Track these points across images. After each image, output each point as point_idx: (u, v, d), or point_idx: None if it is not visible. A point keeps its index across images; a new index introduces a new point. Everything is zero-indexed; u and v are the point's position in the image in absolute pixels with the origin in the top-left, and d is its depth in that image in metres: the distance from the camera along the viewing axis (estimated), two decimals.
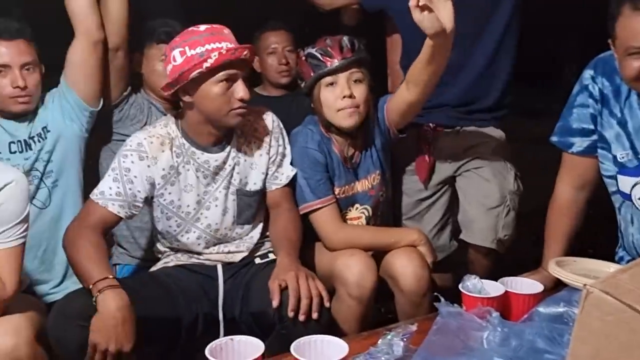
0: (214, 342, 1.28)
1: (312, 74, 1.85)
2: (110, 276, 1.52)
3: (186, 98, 1.71)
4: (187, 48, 1.65)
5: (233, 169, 1.81)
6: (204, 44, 1.64)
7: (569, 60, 4.86)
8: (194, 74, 1.64)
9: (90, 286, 1.50)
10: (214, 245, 1.85)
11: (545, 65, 4.62)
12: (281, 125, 1.90)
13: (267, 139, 1.84)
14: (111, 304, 1.46)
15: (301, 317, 1.56)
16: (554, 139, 1.80)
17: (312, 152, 1.89)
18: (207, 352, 1.25)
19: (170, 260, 1.86)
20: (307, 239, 2.05)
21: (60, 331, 1.51)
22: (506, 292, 1.58)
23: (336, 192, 1.94)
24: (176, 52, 1.67)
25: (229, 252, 1.86)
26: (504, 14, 2.09)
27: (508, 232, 2.12)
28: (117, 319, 1.46)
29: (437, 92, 2.13)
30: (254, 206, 1.87)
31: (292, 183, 1.91)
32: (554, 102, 2.07)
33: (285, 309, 1.61)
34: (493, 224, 2.11)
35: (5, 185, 1.42)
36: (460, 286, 1.56)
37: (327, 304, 1.60)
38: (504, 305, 1.56)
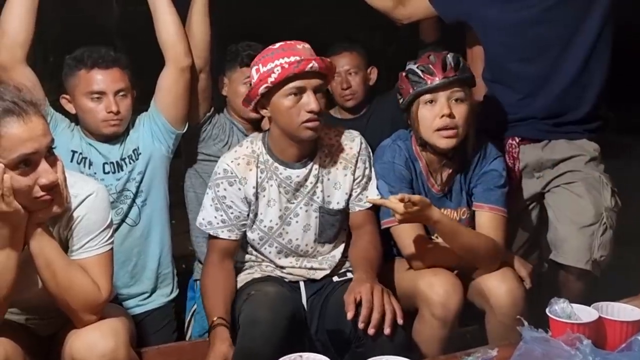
0: (282, 358, 1.29)
1: (410, 91, 1.81)
2: (217, 317, 1.70)
3: (264, 112, 1.77)
4: (260, 65, 1.72)
5: (315, 186, 1.82)
6: (274, 60, 1.69)
7: None
8: (262, 89, 1.70)
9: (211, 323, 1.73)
10: (296, 258, 1.86)
11: None
12: (369, 149, 1.89)
13: (353, 160, 1.84)
14: (219, 338, 1.67)
15: (370, 331, 1.54)
16: None
17: (399, 167, 1.86)
18: None
19: (255, 271, 1.89)
20: (387, 256, 2.02)
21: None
22: (600, 318, 1.47)
23: None
24: (253, 70, 1.75)
25: (311, 268, 1.87)
26: (596, 21, 1.96)
27: (604, 252, 1.96)
28: (220, 350, 1.65)
29: (522, 104, 2.05)
30: (337, 225, 1.87)
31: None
32: None
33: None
34: (587, 244, 1.96)
35: (86, 197, 1.51)
36: (547, 310, 1.47)
37: (400, 321, 1.57)
38: (598, 332, 1.45)
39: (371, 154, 1.90)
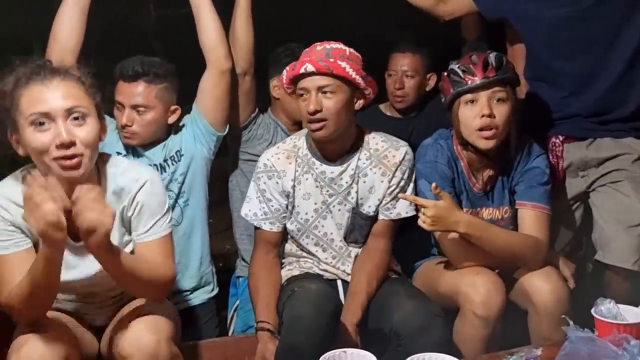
0: (327, 353, 1.32)
1: (451, 91, 1.82)
2: (263, 319, 1.77)
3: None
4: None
5: (350, 186, 1.83)
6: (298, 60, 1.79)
7: None
8: (285, 86, 1.84)
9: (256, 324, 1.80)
10: (332, 255, 1.88)
11: None
12: (413, 162, 1.88)
13: (392, 168, 1.84)
14: (262, 341, 1.75)
15: None
16: None
17: (442, 166, 1.86)
18: None
19: (294, 267, 1.91)
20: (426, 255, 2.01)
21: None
22: None
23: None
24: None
25: (344, 272, 1.89)
26: None
27: None
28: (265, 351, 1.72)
29: (566, 102, 2.02)
30: (365, 229, 1.88)
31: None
32: None
33: (401, 326, 1.61)
34: (635, 244, 1.92)
35: (142, 185, 1.57)
36: (592, 310, 1.46)
37: None
38: None
39: (414, 167, 1.88)
